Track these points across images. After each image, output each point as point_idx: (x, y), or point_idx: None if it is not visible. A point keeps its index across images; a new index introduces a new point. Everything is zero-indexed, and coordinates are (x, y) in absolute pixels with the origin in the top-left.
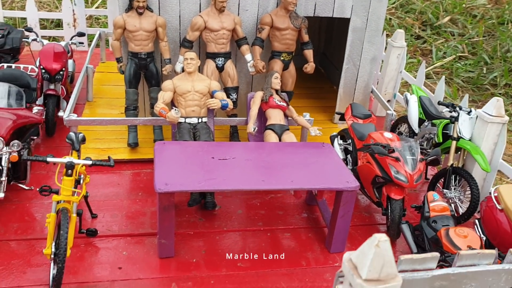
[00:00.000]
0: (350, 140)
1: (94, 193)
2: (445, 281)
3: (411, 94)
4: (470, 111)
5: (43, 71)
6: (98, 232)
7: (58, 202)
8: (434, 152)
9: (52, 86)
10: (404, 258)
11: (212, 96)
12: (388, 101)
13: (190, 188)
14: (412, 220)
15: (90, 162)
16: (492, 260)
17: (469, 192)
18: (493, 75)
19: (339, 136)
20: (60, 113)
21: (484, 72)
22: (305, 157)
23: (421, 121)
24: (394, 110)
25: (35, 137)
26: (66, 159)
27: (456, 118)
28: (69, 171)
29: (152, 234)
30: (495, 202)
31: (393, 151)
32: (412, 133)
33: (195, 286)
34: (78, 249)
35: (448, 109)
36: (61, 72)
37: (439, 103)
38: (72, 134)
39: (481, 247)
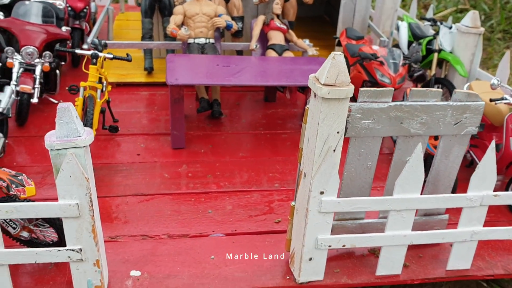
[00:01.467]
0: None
1: (115, 108)
2: (399, 112)
3: (402, 21)
4: (451, 26)
5: (69, 8)
6: (119, 129)
7: (85, 89)
8: (414, 57)
9: (77, 22)
10: (364, 89)
11: None
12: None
13: (196, 82)
14: None
15: (111, 56)
16: (439, 98)
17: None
18: (490, 22)
19: None
20: (84, 46)
21: (482, 19)
22: (300, 66)
23: (410, 44)
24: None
25: (63, 63)
26: (91, 51)
27: (438, 33)
28: (94, 60)
29: (166, 134)
30: None
31: (377, 57)
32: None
33: (202, 167)
34: (102, 141)
35: (430, 23)
36: (84, 10)
37: (421, 18)
38: (95, 39)
39: None
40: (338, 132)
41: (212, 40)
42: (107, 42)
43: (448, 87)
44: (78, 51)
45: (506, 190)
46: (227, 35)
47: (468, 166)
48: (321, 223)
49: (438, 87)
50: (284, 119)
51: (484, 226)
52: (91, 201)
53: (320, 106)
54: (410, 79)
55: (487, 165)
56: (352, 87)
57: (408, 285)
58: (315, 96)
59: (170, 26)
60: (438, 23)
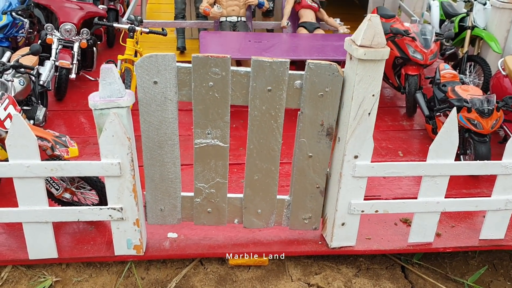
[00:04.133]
0: None
1: None
2: None
3: (434, 0)
4: (485, 3)
5: None
6: None
7: (122, 62)
8: (447, 34)
9: (112, 3)
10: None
11: None
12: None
13: (232, 56)
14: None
15: (147, 30)
16: None
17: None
18: None
19: None
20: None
21: None
22: (332, 42)
23: (442, 23)
24: None
25: (98, 42)
26: (128, 25)
27: (471, 9)
28: (131, 33)
29: None
30: (502, 70)
31: (409, 33)
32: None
33: (234, 140)
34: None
35: (463, 0)
36: None
37: None
38: (131, 15)
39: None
40: (373, 95)
41: (244, 19)
42: (144, 21)
43: (481, 65)
44: (116, 24)
45: None
46: (258, 15)
47: (502, 142)
48: (355, 187)
49: (470, 65)
50: None
51: None
52: (132, 160)
53: (356, 68)
54: (442, 58)
55: None
56: (388, 49)
57: (441, 254)
58: (351, 58)
59: (203, 4)
60: (472, 0)
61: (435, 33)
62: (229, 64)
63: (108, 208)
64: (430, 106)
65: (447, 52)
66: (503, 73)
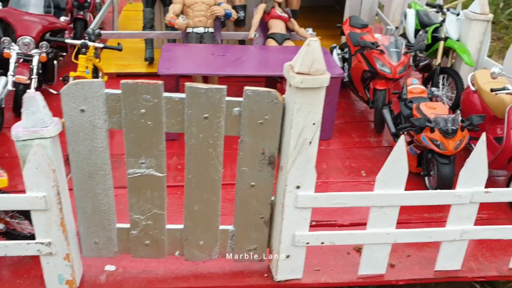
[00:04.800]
0: (347, 49)
1: None
2: None
3: (410, 9)
4: (459, 13)
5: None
6: None
7: (74, 79)
8: (418, 46)
9: (81, 13)
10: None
11: None
12: (396, 27)
13: (187, 72)
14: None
15: (101, 45)
16: None
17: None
18: (509, 10)
19: (337, 47)
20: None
21: (501, 6)
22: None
23: (418, 32)
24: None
25: (64, 54)
26: (81, 41)
27: (444, 19)
28: (83, 49)
29: None
30: (471, 86)
31: (378, 46)
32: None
33: None
34: None
35: (435, 10)
36: (88, 0)
37: (427, 4)
38: (89, 29)
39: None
40: (314, 124)
41: (211, 29)
42: (107, 32)
43: (454, 77)
44: (68, 40)
45: (508, 185)
46: (230, 24)
47: None
48: (298, 219)
49: (443, 77)
50: None
51: (481, 224)
52: (58, 193)
53: (294, 96)
54: (416, 69)
55: (477, 159)
56: (328, 75)
57: (397, 285)
58: (289, 85)
59: (168, 15)
60: (445, 10)
61: (406, 45)
62: (161, 90)
63: (36, 243)
64: (397, 123)
65: (421, 64)
66: (472, 88)
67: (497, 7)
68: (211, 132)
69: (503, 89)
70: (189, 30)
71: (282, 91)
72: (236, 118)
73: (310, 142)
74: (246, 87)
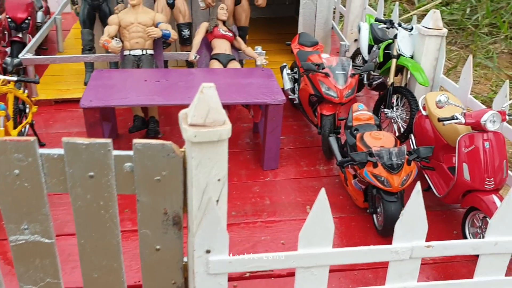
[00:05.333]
0: (297, 69)
1: (48, 128)
2: None
3: (364, 23)
4: (412, 28)
5: (9, 20)
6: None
7: None
8: (366, 67)
9: (19, 34)
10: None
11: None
12: (355, 40)
13: (112, 104)
14: None
15: (15, 78)
16: None
17: None
18: (476, 16)
19: (287, 66)
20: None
21: (468, 12)
22: (240, 80)
23: (371, 48)
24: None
25: None
26: None
27: (396, 36)
28: None
29: None
30: (422, 110)
31: (323, 68)
32: (364, 62)
33: (121, 199)
34: None
35: (385, 26)
36: (26, 21)
37: (376, 20)
38: (7, 58)
39: (394, 147)
40: (219, 180)
41: (150, 51)
42: (39, 57)
43: (407, 98)
44: None
45: (464, 221)
46: (177, 44)
47: (426, 190)
48: (213, 285)
49: (397, 98)
50: (231, 136)
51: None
52: None
53: (191, 151)
54: (370, 88)
55: (414, 210)
56: (229, 126)
57: None
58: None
59: (102, 37)
60: (396, 25)
61: (353, 66)
62: (35, 147)
63: None
64: (344, 152)
65: (375, 82)
66: (424, 113)
67: (464, 12)
68: (100, 192)
69: (452, 118)
70: (126, 52)
71: (235, 128)
72: (129, 174)
73: (218, 201)
74: (135, 140)
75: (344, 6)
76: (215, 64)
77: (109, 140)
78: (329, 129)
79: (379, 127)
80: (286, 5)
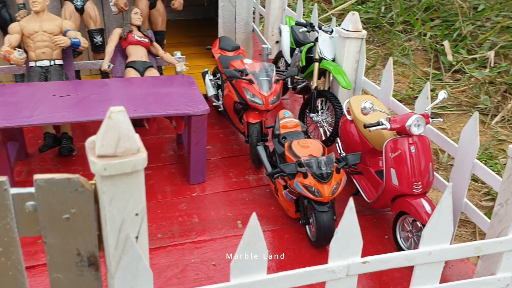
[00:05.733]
0: (220, 75)
1: None
2: None
3: (284, 25)
4: (332, 30)
5: None
6: None
7: None
8: (289, 73)
9: None
10: None
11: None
12: (277, 42)
13: (16, 124)
14: None
15: None
16: None
17: None
18: (390, 14)
19: (209, 72)
20: None
21: (383, 11)
22: (159, 89)
23: (293, 51)
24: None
25: None
26: None
27: (317, 39)
28: None
29: None
30: (347, 115)
31: (247, 74)
32: (287, 66)
33: None
34: None
35: (306, 29)
36: None
37: (296, 23)
38: None
39: (323, 155)
40: (137, 214)
41: (59, 61)
42: None
43: (331, 101)
44: None
45: (394, 225)
46: (90, 52)
47: (355, 193)
48: None
49: (322, 101)
50: (152, 149)
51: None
52: None
53: (102, 185)
54: (295, 92)
55: (348, 227)
56: (144, 154)
57: None
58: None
59: (3, 48)
60: (317, 28)
61: (277, 71)
62: None
63: None
64: (273, 161)
65: (299, 86)
66: (349, 117)
67: (379, 11)
68: None
69: (377, 124)
70: (32, 64)
71: (159, 139)
72: (33, 214)
73: (137, 237)
74: (36, 176)
75: (264, 7)
76: (131, 73)
77: (4, 178)
78: (257, 138)
79: (306, 133)
80: (205, 6)
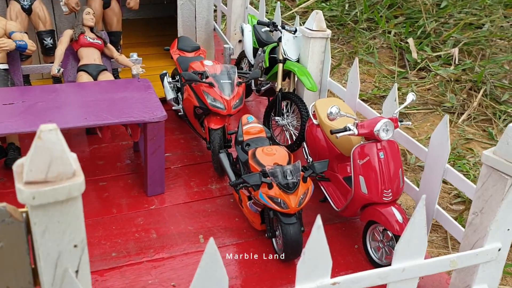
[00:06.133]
0: (179, 77)
1: None
2: None
3: (246, 24)
4: (296, 30)
5: None
6: None
7: None
8: (252, 75)
9: None
10: None
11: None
12: (240, 41)
13: None
14: None
15: None
16: None
17: None
18: (355, 12)
19: (168, 74)
20: None
21: (346, 8)
22: (112, 94)
23: (256, 51)
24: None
25: None
26: None
27: (281, 39)
28: None
29: None
30: (313, 118)
31: (207, 77)
32: (251, 66)
33: None
34: None
35: (269, 29)
36: None
37: (258, 23)
38: None
39: (289, 163)
40: (76, 246)
41: (3, 66)
42: None
43: (297, 104)
44: None
45: (364, 235)
46: (40, 55)
47: (323, 200)
48: None
49: (287, 104)
50: (107, 158)
51: None
52: None
53: (33, 215)
54: (259, 94)
55: (316, 248)
56: (81, 179)
57: None
58: None
59: None
60: (280, 27)
61: (239, 73)
62: None
63: None
64: (236, 169)
65: (263, 88)
66: (315, 122)
67: (343, 8)
68: None
69: (345, 130)
70: None
71: (115, 147)
72: None
73: (77, 271)
74: None
75: (226, 5)
76: (84, 77)
77: None
78: (219, 144)
79: (271, 139)
80: (164, 4)
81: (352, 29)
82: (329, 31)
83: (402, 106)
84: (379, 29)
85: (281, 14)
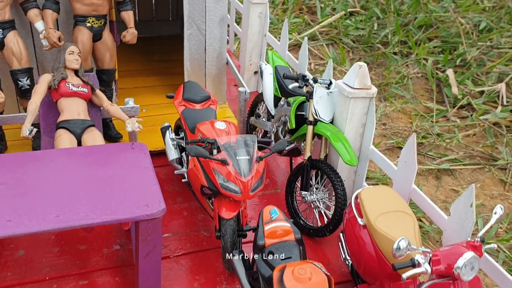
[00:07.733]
0: (184, 133)
1: None
2: None
3: (266, 64)
4: (330, 83)
5: None
6: None
7: None
8: (276, 146)
9: None
10: None
11: None
12: (255, 72)
13: None
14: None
15: None
16: None
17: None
18: (385, 32)
19: (171, 128)
20: None
21: (375, 28)
22: (97, 169)
23: (278, 100)
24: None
25: None
26: None
27: (312, 95)
28: None
29: None
30: (356, 213)
31: (219, 150)
32: (270, 115)
33: None
34: None
35: (297, 84)
36: None
37: (284, 77)
38: None
39: None
40: None
41: None
42: None
43: (329, 176)
44: None
45: None
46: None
47: None
48: None
49: (316, 174)
50: (92, 242)
51: None
52: None
53: None
54: (280, 154)
55: None
56: None
57: None
58: None
59: None
60: (311, 81)
61: (259, 142)
62: None
63: None
64: (254, 278)
65: (287, 148)
66: (360, 221)
67: (372, 27)
68: None
69: (412, 265)
70: None
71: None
72: None
73: None
74: None
75: (240, 26)
76: (64, 138)
77: None
78: (232, 240)
79: (301, 244)
80: (170, 21)
81: (382, 53)
82: (374, 89)
83: (488, 225)
84: (413, 54)
85: (301, 33)
